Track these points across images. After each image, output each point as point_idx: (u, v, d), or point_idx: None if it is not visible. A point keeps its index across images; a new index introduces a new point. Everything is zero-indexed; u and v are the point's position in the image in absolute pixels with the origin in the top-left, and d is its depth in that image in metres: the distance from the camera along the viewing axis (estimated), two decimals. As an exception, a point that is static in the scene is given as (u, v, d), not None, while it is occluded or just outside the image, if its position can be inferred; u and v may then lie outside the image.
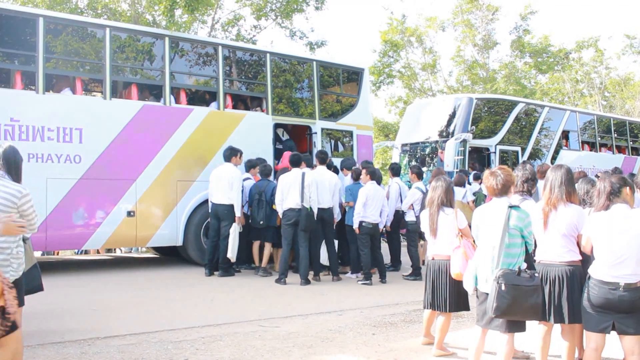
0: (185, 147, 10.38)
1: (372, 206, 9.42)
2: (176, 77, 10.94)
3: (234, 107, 11.39)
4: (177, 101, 10.69)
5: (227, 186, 9.62)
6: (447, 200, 5.75)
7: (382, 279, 9.71)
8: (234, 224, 9.62)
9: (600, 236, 4.42)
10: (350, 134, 12.81)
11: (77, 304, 7.40)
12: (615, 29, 60.19)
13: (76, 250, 13.49)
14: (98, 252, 14.10)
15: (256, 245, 10.20)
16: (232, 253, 9.56)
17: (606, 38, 61.40)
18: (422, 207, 9.34)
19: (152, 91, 10.86)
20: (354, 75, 13.41)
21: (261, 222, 9.83)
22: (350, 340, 6.19)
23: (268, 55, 11.88)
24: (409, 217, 10.30)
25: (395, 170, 11.11)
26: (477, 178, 11.95)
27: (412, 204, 10.19)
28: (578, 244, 4.76)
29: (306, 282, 9.25)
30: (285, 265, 9.37)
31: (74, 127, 9.49)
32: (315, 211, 9.39)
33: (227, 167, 9.80)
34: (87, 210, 9.63)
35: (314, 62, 12.71)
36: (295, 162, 9.59)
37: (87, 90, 10.85)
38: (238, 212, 9.68)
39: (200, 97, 11.73)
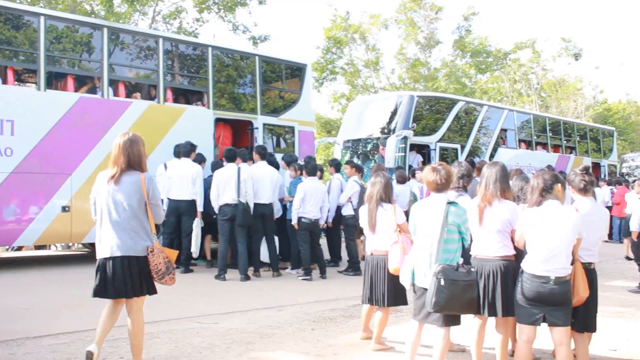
0: (124, 141, 10.13)
1: (311, 202, 9.41)
2: (115, 69, 10.69)
3: (175, 101, 11.21)
4: (116, 94, 10.44)
5: (190, 182, 9.57)
6: (386, 196, 5.79)
7: (322, 274, 9.74)
8: (196, 219, 9.59)
9: (533, 231, 4.53)
10: (292, 129, 12.80)
11: (7, 303, 7.13)
12: (552, 32, 62.19)
13: (7, 247, 13.02)
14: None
15: (207, 239, 10.27)
16: (195, 248, 9.56)
17: (543, 40, 63.23)
18: (360, 201, 9.46)
19: (89, 83, 10.55)
20: (296, 71, 13.40)
21: None
22: (289, 336, 6.19)
23: (210, 49, 11.74)
24: (347, 210, 10.31)
25: (336, 165, 11.15)
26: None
27: (349, 197, 10.23)
28: (512, 239, 4.87)
29: (246, 277, 9.20)
30: (223, 262, 9.30)
31: (5, 119, 9.18)
32: (252, 206, 9.35)
33: (187, 162, 9.73)
34: (19, 205, 9.33)
35: (257, 57, 12.64)
36: (230, 157, 9.47)
37: (20, 80, 10.46)
38: (200, 208, 9.66)
39: (140, 90, 11.48)
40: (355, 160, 15.37)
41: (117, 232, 4.52)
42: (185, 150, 9.79)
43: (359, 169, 10.67)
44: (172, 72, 11.55)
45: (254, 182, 9.44)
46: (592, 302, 4.92)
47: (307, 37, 67.34)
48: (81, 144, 9.84)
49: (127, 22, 19.88)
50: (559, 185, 4.63)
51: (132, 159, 4.63)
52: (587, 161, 22.06)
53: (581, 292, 4.59)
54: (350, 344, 5.99)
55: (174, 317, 6.72)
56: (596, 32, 77.91)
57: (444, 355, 4.82)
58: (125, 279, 4.51)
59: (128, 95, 10.76)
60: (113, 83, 10.48)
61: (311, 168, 9.66)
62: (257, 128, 12.06)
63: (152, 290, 4.72)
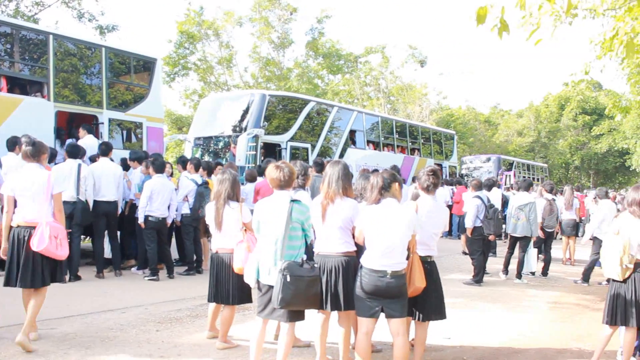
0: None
1: (159, 200, 9.18)
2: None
3: (10, 91, 10.41)
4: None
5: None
6: (234, 194, 5.78)
7: (170, 274, 9.52)
8: None
9: (372, 228, 4.72)
10: (141, 125, 12.38)
11: None
12: (400, 39, 65.38)
13: None
14: None
15: None
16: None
17: (392, 46, 66.20)
18: (200, 200, 9.37)
19: None
20: (146, 65, 12.96)
21: None
22: (132, 339, 6.00)
23: (51, 36, 11.01)
24: (184, 209, 10.14)
25: (184, 163, 10.90)
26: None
27: (186, 196, 10.08)
28: (353, 236, 5.04)
29: (76, 278, 8.82)
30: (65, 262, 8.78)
31: None
32: (91, 204, 8.98)
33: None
34: None
35: (103, 49, 12.06)
36: (72, 153, 8.96)
37: None
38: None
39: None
40: (206, 158, 15.21)
41: None
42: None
43: (197, 167, 10.44)
44: (6, 59, 10.70)
45: (96, 180, 9.08)
46: (437, 292, 5.28)
47: (159, 30, 65.58)
48: None
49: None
50: (397, 184, 4.87)
51: None
52: (431, 162, 23.39)
53: (417, 283, 4.86)
54: (196, 344, 5.93)
55: (4, 324, 6.25)
56: (440, 41, 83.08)
57: (289, 351, 4.91)
58: None
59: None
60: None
61: (158, 165, 9.41)
62: (102, 123, 11.53)
63: None
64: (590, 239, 10.74)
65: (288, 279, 4.58)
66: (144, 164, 9.96)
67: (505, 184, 26.45)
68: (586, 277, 11.14)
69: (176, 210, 9.87)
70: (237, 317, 6.96)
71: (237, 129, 15.34)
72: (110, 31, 22.61)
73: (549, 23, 6.40)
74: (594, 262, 11.05)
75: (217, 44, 32.78)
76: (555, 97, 54.13)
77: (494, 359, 6.00)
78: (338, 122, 18.65)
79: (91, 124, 11.59)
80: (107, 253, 9.54)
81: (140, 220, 9.19)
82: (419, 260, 4.99)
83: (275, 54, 34.04)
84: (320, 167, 8.74)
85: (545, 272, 11.77)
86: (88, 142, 10.29)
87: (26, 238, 5.47)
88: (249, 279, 5.06)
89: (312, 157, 16.45)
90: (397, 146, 21.99)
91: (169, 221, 9.61)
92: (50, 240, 5.41)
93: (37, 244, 5.38)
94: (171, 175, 10.40)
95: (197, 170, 10.35)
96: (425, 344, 5.45)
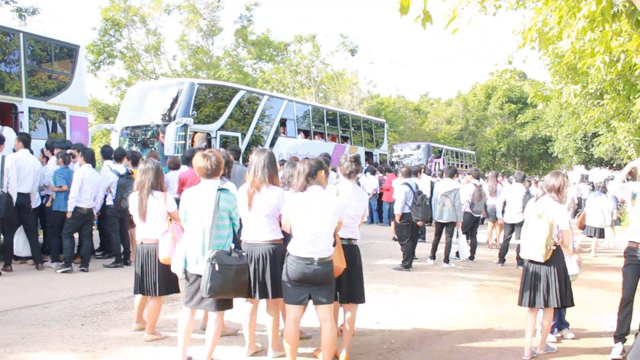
0: None
1: (87, 191, 8.94)
2: None
3: None
4: None
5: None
6: (158, 184, 5.67)
7: (85, 267, 9.23)
8: None
9: (298, 215, 4.73)
10: (64, 114, 11.96)
11: None
12: (331, 27, 65.52)
13: None
14: None
15: None
16: None
17: (322, 35, 66.47)
18: (122, 191, 9.16)
19: None
20: (68, 52, 12.51)
21: None
22: (55, 334, 5.82)
23: (-39, 20, 10.48)
24: (108, 201, 9.88)
25: (106, 153, 10.53)
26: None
27: (109, 187, 9.83)
28: (280, 224, 5.04)
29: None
30: None
31: None
32: (15, 197, 8.64)
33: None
34: None
35: (21, 34, 11.54)
36: None
37: None
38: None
39: None
40: (135, 148, 14.87)
41: None
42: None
43: (119, 158, 10.18)
44: None
45: (18, 171, 8.72)
46: (356, 275, 5.33)
47: (83, 16, 63.52)
48: None
49: None
50: (323, 171, 4.90)
51: None
52: (361, 150, 23.63)
53: (337, 263, 4.89)
54: (123, 337, 5.82)
55: None
56: (371, 30, 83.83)
57: (217, 339, 4.89)
58: None
59: None
60: None
61: (88, 155, 9.13)
62: (22, 112, 11.07)
63: None
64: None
65: (216, 268, 4.56)
66: (56, 155, 9.59)
67: (435, 171, 27.02)
68: (502, 258, 11.69)
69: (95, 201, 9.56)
70: (167, 308, 6.89)
71: (166, 118, 15.04)
72: (30, 15, 21.63)
73: (468, 13, 6.52)
74: (507, 244, 11.63)
75: (144, 31, 32.07)
76: (483, 86, 55.58)
77: (421, 341, 6.13)
78: (269, 110, 18.57)
79: (10, 114, 11.12)
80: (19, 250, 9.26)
81: (70, 209, 8.90)
82: (339, 242, 5.04)
83: (204, 42, 33.58)
84: (237, 154, 8.62)
85: (472, 256, 12.12)
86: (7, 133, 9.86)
87: None
88: (177, 269, 4.99)
89: (243, 146, 16.34)
90: (328, 134, 22.09)
91: (95, 212, 9.36)
92: None
93: None
94: (93, 165, 10.07)
95: (120, 160, 10.09)
96: (353, 329, 5.52)
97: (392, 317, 7.01)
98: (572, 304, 5.79)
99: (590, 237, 14.24)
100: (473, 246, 12.26)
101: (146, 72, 32.56)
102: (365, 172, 18.89)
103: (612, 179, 12.43)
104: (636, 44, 7.52)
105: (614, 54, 8.28)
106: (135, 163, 10.06)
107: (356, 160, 5.53)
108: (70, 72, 12.31)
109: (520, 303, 5.88)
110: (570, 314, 6.54)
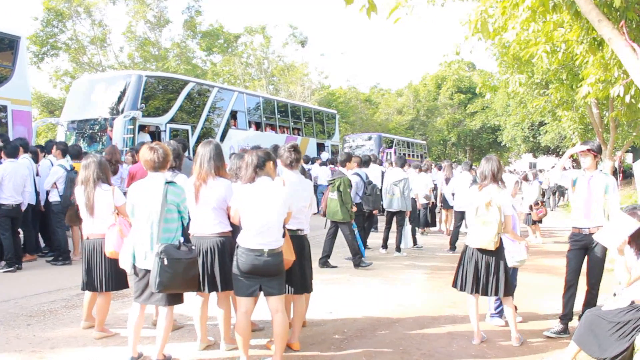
0: None
1: (10, 186, 8.71)
2: None
3: None
4: None
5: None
6: (104, 177, 5.55)
7: (18, 265, 8.96)
8: None
9: (247, 207, 4.69)
10: (5, 108, 11.60)
11: None
12: (280, 18, 65.21)
13: None
14: None
15: None
16: None
17: (272, 26, 66.16)
18: (72, 186, 8.92)
19: None
20: (9, 43, 12.12)
21: None
22: (0, 335, 5.64)
23: None
24: (53, 197, 9.61)
25: (45, 148, 10.23)
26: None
27: (55, 183, 9.58)
28: (229, 216, 5.00)
29: None
30: None
31: None
32: None
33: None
34: None
35: (-44, 25, 11.15)
36: None
37: None
38: None
39: None
40: (81, 142, 14.55)
41: None
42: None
43: (64, 153, 9.91)
44: None
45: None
46: (307, 265, 5.35)
47: (24, 5, 61.62)
48: None
49: None
50: (271, 162, 4.86)
51: None
52: (313, 142, 23.67)
53: (286, 256, 4.89)
54: (71, 335, 5.69)
55: None
56: (321, 22, 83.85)
57: (168, 334, 4.83)
58: None
59: None
60: None
61: (11, 149, 8.86)
62: (-41, 106, 10.72)
63: None
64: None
65: (165, 262, 4.50)
66: None
67: (387, 161, 27.24)
68: (453, 246, 11.95)
69: (30, 195, 9.34)
70: (117, 305, 6.78)
71: (114, 111, 14.76)
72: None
73: (413, 3, 6.57)
74: (458, 231, 11.92)
75: (89, 22, 31.30)
76: (433, 76, 56.33)
77: (373, 329, 6.18)
78: (219, 102, 18.43)
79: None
80: None
81: None
82: (287, 234, 5.03)
83: (151, 34, 33.01)
84: (183, 147, 8.50)
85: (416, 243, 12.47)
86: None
87: None
88: (125, 264, 4.90)
89: (193, 139, 16.16)
90: (280, 126, 22.05)
91: (23, 208, 9.09)
92: None
93: None
94: (36, 160, 9.80)
95: (64, 155, 9.83)
96: (304, 318, 5.53)
97: (344, 307, 7.04)
98: (512, 293, 5.86)
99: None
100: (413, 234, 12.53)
101: (92, 65, 31.84)
102: (323, 164, 18.94)
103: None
104: (576, 35, 7.71)
105: (555, 43, 8.47)
106: (77, 158, 9.80)
107: (295, 148, 5.49)
108: (11, 64, 11.95)
109: (455, 285, 5.86)
110: (518, 298, 6.68)
